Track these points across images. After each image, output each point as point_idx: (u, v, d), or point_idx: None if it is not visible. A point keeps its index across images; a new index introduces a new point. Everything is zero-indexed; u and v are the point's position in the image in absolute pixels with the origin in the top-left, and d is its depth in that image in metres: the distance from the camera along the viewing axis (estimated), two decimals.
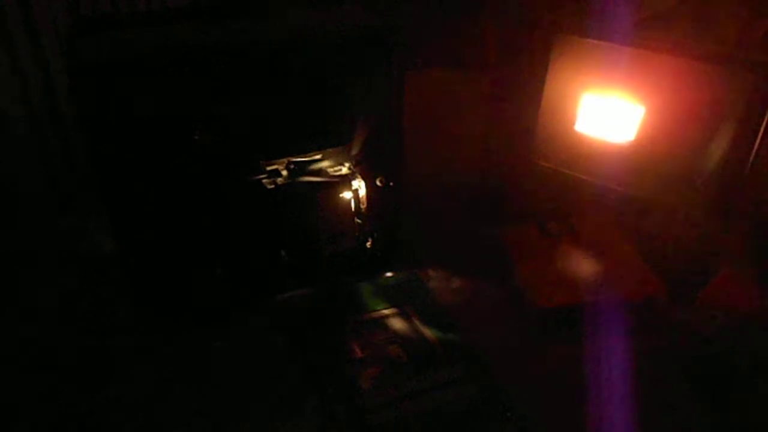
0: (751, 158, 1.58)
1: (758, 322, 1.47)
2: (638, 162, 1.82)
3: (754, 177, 1.61)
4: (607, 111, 1.83)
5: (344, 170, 1.55)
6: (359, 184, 1.54)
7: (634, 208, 1.84)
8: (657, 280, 1.65)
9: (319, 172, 1.52)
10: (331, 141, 1.53)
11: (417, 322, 1.61)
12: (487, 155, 2.14)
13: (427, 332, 1.58)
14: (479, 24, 2.39)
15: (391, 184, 1.60)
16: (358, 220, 1.58)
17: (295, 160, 1.50)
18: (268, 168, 1.49)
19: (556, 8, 1.91)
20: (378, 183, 1.56)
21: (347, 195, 1.53)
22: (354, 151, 1.56)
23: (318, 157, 1.53)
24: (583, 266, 1.73)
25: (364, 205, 1.57)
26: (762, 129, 1.55)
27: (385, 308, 1.66)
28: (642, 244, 1.78)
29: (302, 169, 1.51)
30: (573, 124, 1.91)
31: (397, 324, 1.61)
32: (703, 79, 1.64)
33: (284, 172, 1.49)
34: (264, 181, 1.48)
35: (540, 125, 1.98)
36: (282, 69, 1.42)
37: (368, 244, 1.67)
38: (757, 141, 1.56)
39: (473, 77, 2.20)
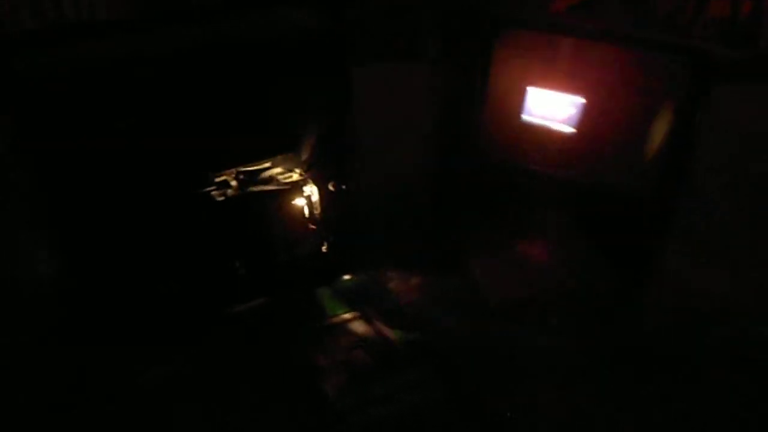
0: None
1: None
2: (583, 149, 1.86)
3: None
4: (551, 103, 1.87)
5: (295, 176, 1.52)
6: (311, 190, 1.52)
7: (581, 196, 1.88)
8: (603, 265, 1.69)
9: (270, 180, 1.49)
10: (280, 148, 1.50)
11: (379, 324, 1.61)
12: (438, 149, 2.14)
13: (390, 333, 1.58)
14: (421, 16, 2.39)
15: (344, 187, 1.58)
16: (313, 226, 1.56)
17: (244, 169, 1.47)
18: (218, 179, 1.45)
19: (496, 1, 1.92)
20: (330, 188, 1.54)
21: (300, 202, 1.51)
22: (304, 156, 1.54)
23: (268, 165, 1.50)
24: (534, 258, 1.76)
25: (318, 211, 1.55)
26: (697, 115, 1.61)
27: (346, 312, 1.65)
28: (590, 231, 1.82)
29: (252, 178, 1.47)
30: (519, 117, 1.94)
31: (359, 328, 1.60)
32: (637, 65, 1.69)
33: (234, 183, 1.46)
34: (213, 193, 1.44)
35: (487, 120, 2.00)
36: (223, 76, 1.38)
37: (324, 249, 1.65)
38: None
39: (419, 70, 2.20)
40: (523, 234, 1.85)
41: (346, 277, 1.78)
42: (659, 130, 1.72)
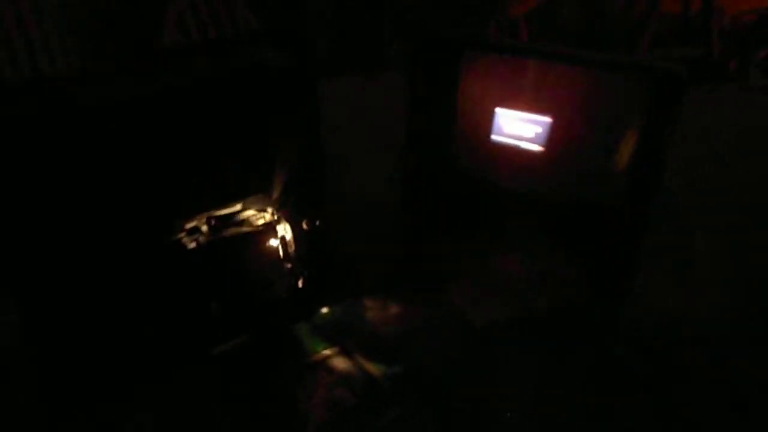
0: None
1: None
2: (553, 166, 1.88)
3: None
4: (519, 123, 1.88)
5: (268, 216, 1.49)
6: (285, 229, 1.49)
7: (555, 210, 1.90)
8: (581, 280, 1.71)
9: (242, 223, 1.46)
10: (251, 189, 1.47)
11: (360, 359, 1.59)
12: (409, 166, 2.13)
13: (372, 368, 1.57)
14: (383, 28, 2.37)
15: (317, 223, 1.56)
16: (288, 265, 1.53)
17: (215, 214, 1.43)
18: (188, 226, 1.41)
19: (458, 25, 1.92)
20: (304, 226, 1.52)
21: (274, 242, 1.48)
22: (276, 195, 1.51)
23: (239, 207, 1.46)
24: (513, 278, 1.77)
25: (293, 249, 1.52)
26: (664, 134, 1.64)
27: (326, 348, 1.63)
28: (566, 244, 1.84)
29: (224, 222, 1.44)
30: (489, 136, 1.94)
31: (340, 364, 1.58)
32: (599, 85, 1.72)
33: (205, 228, 1.42)
34: (184, 240, 1.40)
35: (458, 137, 2.00)
36: (188, 119, 1.34)
37: (300, 284, 1.63)
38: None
39: (383, 83, 2.17)
40: (501, 252, 1.86)
41: (324, 310, 1.76)
42: (625, 145, 1.75)
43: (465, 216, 1.96)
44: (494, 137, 1.93)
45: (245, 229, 1.46)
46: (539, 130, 1.85)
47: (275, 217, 1.49)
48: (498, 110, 1.90)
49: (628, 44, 2.15)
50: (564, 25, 2.29)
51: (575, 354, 1.57)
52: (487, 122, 1.93)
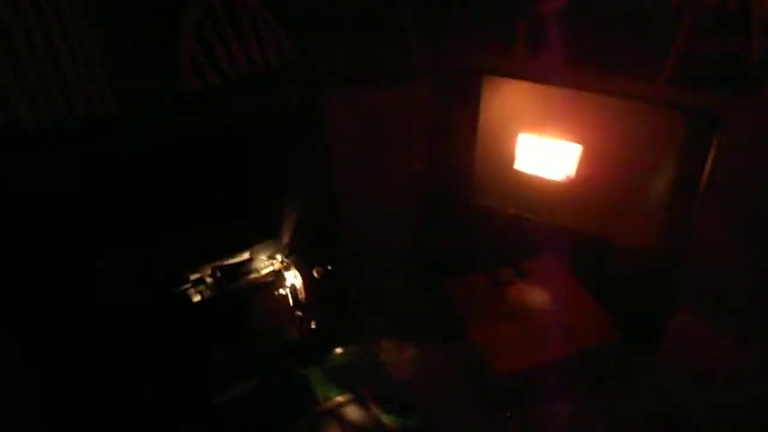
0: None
1: (717, 378, 1.46)
2: (580, 199, 1.77)
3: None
4: (545, 150, 1.77)
5: (276, 264, 1.41)
6: (294, 276, 1.41)
7: (582, 247, 1.79)
8: (609, 325, 1.61)
9: (249, 273, 1.39)
10: (258, 236, 1.39)
11: (374, 408, 1.52)
12: (425, 196, 2.03)
13: (387, 419, 1.49)
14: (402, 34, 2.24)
15: (330, 268, 1.48)
16: (298, 312, 1.46)
17: (221, 264, 1.35)
18: (193, 278, 1.34)
19: (484, 52, 1.80)
20: (315, 275, 1.44)
21: (283, 290, 1.40)
22: (285, 240, 1.43)
23: (246, 256, 1.39)
24: (537, 319, 1.67)
25: (303, 295, 1.45)
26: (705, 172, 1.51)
27: (339, 395, 1.56)
28: (594, 284, 1.73)
29: (230, 273, 1.37)
30: (512, 163, 1.83)
31: (354, 413, 1.51)
32: (638, 117, 1.60)
33: (210, 280, 1.35)
34: (189, 291, 1.33)
35: (478, 165, 1.90)
36: (193, 166, 1.26)
37: (312, 325, 1.56)
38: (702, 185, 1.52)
39: (401, 95, 2.04)
40: (523, 290, 1.76)
41: (338, 350, 1.68)
42: (662, 182, 1.63)
43: (485, 251, 1.86)
44: (517, 166, 1.82)
45: (252, 277, 1.38)
46: (568, 158, 1.74)
47: (284, 264, 1.41)
48: (522, 136, 1.79)
49: (664, 38, 2.00)
50: (597, 19, 2.12)
51: (605, 408, 1.48)
52: (509, 149, 1.82)
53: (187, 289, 1.33)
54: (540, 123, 1.75)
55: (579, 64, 1.66)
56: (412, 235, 1.99)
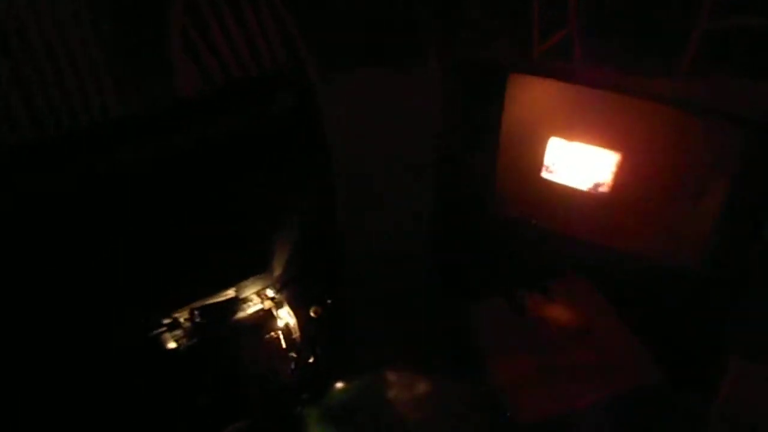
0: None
1: None
2: (617, 213, 1.55)
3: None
4: (578, 157, 1.54)
5: (267, 303, 1.21)
6: (287, 314, 1.21)
7: (617, 267, 1.58)
8: (650, 363, 1.41)
9: (235, 312, 1.18)
10: (245, 270, 1.18)
11: None
12: (441, 202, 1.81)
13: None
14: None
15: (329, 301, 1.27)
16: (293, 354, 1.26)
17: (202, 305, 1.15)
18: (170, 319, 1.14)
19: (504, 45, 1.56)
20: (312, 314, 1.23)
21: (274, 331, 1.20)
22: (276, 273, 1.22)
23: (231, 293, 1.18)
24: (566, 354, 1.46)
25: (298, 335, 1.25)
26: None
27: None
28: (632, 313, 1.52)
29: (213, 313, 1.16)
30: (539, 170, 1.61)
31: None
32: (688, 128, 1.36)
33: (187, 324, 1.15)
34: (162, 338, 1.13)
35: (501, 170, 1.67)
36: (165, 189, 1.06)
37: (311, 361, 1.36)
38: None
39: (413, 79, 1.80)
40: (550, 318, 1.55)
41: (339, 385, 1.49)
42: (714, 197, 1.40)
43: (507, 267, 1.65)
44: (545, 174, 1.60)
45: (239, 317, 1.18)
46: (604, 168, 1.52)
47: (276, 301, 1.21)
48: (553, 140, 1.56)
49: (684, 16, 1.75)
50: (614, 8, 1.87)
51: None
52: (536, 155, 1.59)
53: (159, 334, 1.13)
54: (573, 127, 1.52)
55: (598, 58, 1.43)
56: (426, 246, 1.79)
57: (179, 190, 1.08)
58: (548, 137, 1.56)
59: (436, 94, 1.80)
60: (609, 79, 1.43)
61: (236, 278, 1.18)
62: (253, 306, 1.20)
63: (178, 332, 1.14)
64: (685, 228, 1.47)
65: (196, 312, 1.15)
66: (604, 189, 1.55)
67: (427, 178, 1.77)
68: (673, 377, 1.38)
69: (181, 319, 1.15)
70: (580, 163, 1.55)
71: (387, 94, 1.85)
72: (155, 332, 1.13)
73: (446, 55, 1.82)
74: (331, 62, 1.77)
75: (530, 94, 1.54)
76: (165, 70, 1.46)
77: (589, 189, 1.56)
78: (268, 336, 1.20)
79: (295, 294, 1.24)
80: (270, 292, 1.22)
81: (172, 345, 1.13)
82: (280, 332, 1.22)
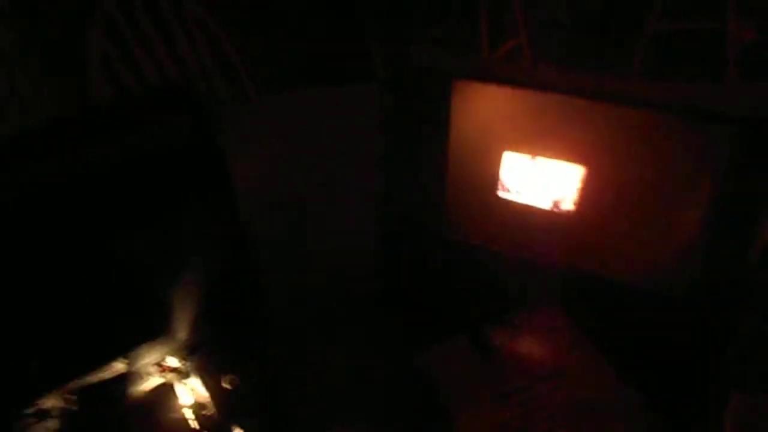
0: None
1: None
2: (585, 234, 1.37)
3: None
4: (538, 173, 1.35)
5: (168, 375, 0.97)
6: (195, 386, 0.98)
7: (591, 294, 1.39)
8: (638, 406, 1.22)
9: (125, 390, 0.94)
10: (137, 337, 0.95)
11: None
12: (388, 226, 1.60)
13: None
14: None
15: (251, 366, 1.04)
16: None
17: (81, 385, 0.91)
18: (32, 410, 0.89)
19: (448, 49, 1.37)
20: (227, 385, 1.00)
21: (182, 405, 0.97)
22: (181, 336, 0.99)
23: (121, 366, 0.94)
24: (540, 399, 1.26)
25: (212, 411, 1.01)
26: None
27: None
28: (611, 345, 1.33)
29: (96, 395, 0.92)
30: (494, 188, 1.42)
31: None
32: (661, 133, 1.20)
33: (61, 409, 0.90)
34: (29, 429, 0.88)
35: (451, 190, 1.48)
36: (31, 232, 0.83)
37: None
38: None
39: (353, 94, 1.62)
40: (518, 357, 1.35)
41: None
42: (695, 209, 1.23)
43: (465, 299, 1.45)
44: (502, 193, 1.41)
45: (132, 396, 0.94)
46: (567, 183, 1.33)
47: (181, 371, 0.98)
48: (507, 155, 1.37)
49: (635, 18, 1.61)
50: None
51: None
52: (490, 171, 1.40)
53: (24, 426, 0.88)
54: (529, 139, 1.34)
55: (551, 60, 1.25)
56: (371, 276, 1.58)
57: (43, 232, 0.85)
58: (502, 151, 1.37)
59: (378, 110, 1.62)
60: (562, 80, 1.25)
61: (125, 347, 0.94)
62: (151, 380, 0.96)
63: (49, 422, 0.89)
64: (665, 246, 1.30)
65: (72, 395, 0.90)
66: (568, 207, 1.36)
67: (369, 204, 1.57)
68: (668, 419, 1.19)
69: (53, 406, 0.90)
70: (539, 180, 1.37)
71: (327, 112, 1.66)
72: (29, 419, 0.88)
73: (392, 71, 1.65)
74: (271, 83, 1.58)
75: (479, 104, 1.35)
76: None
77: (552, 208, 1.38)
78: (170, 416, 0.96)
79: (206, 361, 1.00)
80: (172, 362, 0.98)
81: None
82: (187, 409, 0.98)
